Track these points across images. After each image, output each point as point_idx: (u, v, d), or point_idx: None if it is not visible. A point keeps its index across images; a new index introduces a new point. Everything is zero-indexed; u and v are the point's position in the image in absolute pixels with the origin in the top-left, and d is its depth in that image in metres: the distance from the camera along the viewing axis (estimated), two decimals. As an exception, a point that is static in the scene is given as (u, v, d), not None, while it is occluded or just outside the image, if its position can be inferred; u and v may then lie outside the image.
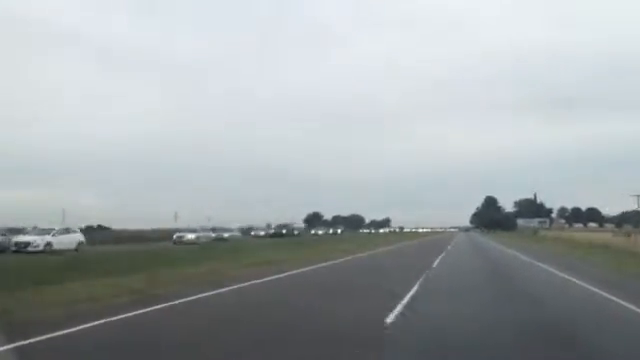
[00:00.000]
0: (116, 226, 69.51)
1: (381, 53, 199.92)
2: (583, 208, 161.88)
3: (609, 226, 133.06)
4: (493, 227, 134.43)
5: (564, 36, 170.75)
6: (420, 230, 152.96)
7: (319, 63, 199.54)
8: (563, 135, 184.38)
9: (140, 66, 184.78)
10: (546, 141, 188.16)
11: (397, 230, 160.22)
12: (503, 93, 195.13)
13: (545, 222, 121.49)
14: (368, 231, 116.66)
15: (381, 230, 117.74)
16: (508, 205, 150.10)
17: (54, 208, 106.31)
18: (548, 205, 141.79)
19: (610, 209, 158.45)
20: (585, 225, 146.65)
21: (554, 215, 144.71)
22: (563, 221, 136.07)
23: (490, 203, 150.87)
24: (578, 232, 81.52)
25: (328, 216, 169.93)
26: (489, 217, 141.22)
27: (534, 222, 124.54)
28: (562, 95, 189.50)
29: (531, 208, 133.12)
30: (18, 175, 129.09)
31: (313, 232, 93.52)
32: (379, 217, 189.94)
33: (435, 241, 58.43)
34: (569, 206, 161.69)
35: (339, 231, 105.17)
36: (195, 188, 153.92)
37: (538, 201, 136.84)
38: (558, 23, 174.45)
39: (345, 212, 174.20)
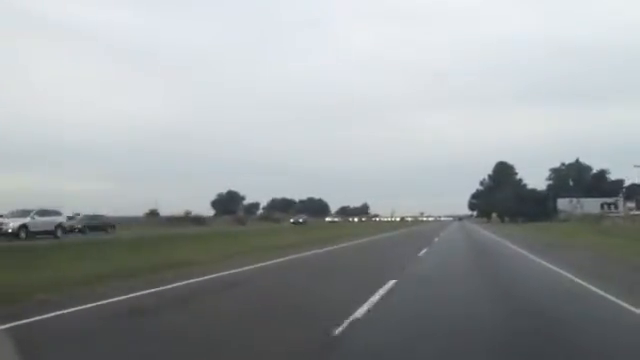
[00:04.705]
0: None
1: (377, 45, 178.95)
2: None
3: None
4: (512, 214, 79.15)
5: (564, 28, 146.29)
6: (390, 219, 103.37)
7: (312, 53, 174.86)
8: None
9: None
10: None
11: (363, 220, 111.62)
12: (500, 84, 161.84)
13: (614, 205, 65.80)
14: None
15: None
16: (532, 181, 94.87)
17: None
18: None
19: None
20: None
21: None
22: (632, 205, 79.47)
23: (503, 174, 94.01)
24: None
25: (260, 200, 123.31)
26: (504, 197, 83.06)
27: (589, 204, 69.31)
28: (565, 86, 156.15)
29: (578, 182, 77.58)
30: None
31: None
32: (355, 204, 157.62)
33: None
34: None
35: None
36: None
37: (592, 170, 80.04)
38: (557, 13, 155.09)
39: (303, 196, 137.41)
